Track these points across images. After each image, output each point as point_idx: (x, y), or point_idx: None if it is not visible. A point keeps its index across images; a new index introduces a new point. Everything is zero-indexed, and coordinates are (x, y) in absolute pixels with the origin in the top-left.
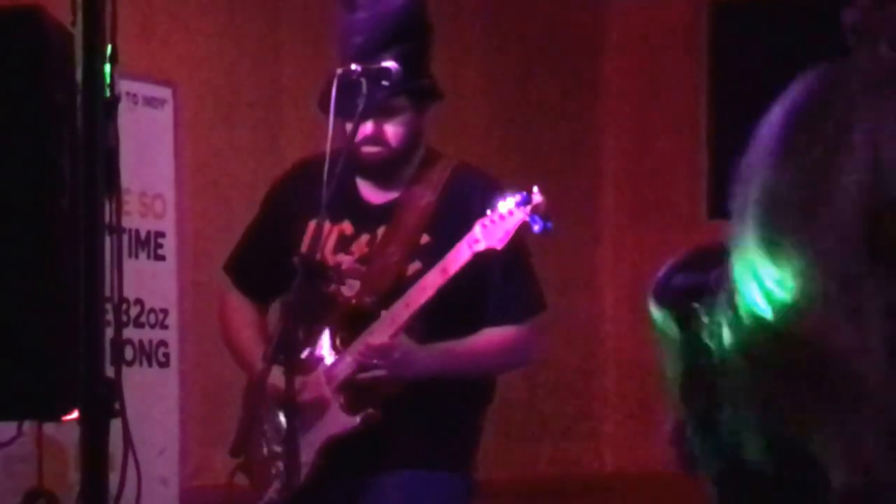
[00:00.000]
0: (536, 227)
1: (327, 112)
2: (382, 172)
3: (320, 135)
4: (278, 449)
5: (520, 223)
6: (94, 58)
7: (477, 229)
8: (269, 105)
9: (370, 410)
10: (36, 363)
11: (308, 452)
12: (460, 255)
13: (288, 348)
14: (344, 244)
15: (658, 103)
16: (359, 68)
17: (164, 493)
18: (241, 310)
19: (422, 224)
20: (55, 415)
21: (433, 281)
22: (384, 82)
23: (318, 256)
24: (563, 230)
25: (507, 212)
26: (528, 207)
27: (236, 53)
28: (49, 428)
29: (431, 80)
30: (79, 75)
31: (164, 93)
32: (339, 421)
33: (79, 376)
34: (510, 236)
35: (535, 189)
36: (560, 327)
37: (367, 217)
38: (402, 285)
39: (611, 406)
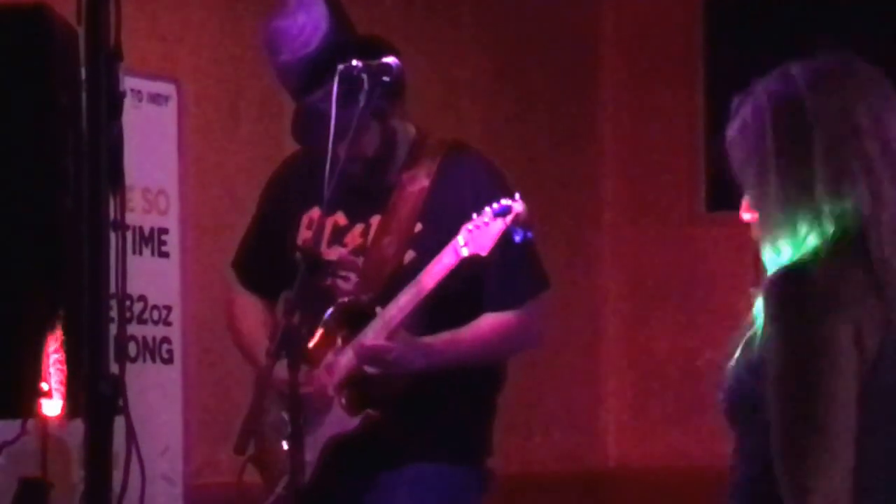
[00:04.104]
0: (517, 238)
1: (300, 140)
2: (369, 173)
3: None
4: (286, 444)
5: (502, 232)
6: (98, 55)
7: (463, 234)
8: (272, 101)
9: (369, 411)
10: (38, 361)
11: (312, 451)
12: (447, 261)
13: (291, 344)
14: (338, 236)
15: (655, 97)
16: (360, 64)
17: (168, 492)
18: (248, 307)
19: (415, 212)
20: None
21: (423, 286)
22: (385, 78)
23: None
24: (562, 224)
25: (491, 219)
26: (508, 218)
27: (239, 50)
28: (53, 426)
29: (386, 86)
30: (83, 73)
31: (169, 89)
32: (338, 421)
33: (83, 374)
34: (494, 243)
35: (517, 196)
36: (561, 321)
37: (359, 205)
38: (399, 276)
39: (613, 400)
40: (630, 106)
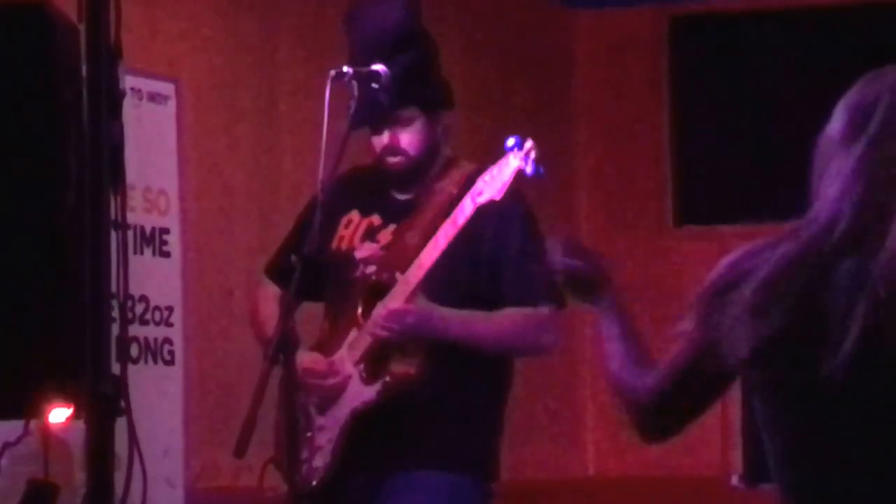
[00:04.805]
0: (529, 170)
1: (353, 127)
2: (407, 178)
3: (318, 132)
4: (308, 435)
5: (515, 171)
6: (99, 54)
7: (480, 183)
8: (269, 101)
9: (387, 379)
10: (41, 360)
11: (333, 429)
12: (465, 208)
13: (287, 346)
14: (371, 233)
15: (624, 114)
16: (350, 71)
17: (169, 494)
18: (272, 297)
19: (442, 212)
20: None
21: (442, 236)
22: (374, 85)
23: (336, 247)
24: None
25: (504, 162)
26: (521, 152)
27: (237, 50)
28: (56, 427)
29: (439, 89)
30: (84, 71)
31: (168, 88)
32: (358, 394)
33: (85, 374)
34: (507, 186)
35: (529, 138)
36: None
37: (394, 210)
38: None
39: (591, 410)
40: (602, 124)
